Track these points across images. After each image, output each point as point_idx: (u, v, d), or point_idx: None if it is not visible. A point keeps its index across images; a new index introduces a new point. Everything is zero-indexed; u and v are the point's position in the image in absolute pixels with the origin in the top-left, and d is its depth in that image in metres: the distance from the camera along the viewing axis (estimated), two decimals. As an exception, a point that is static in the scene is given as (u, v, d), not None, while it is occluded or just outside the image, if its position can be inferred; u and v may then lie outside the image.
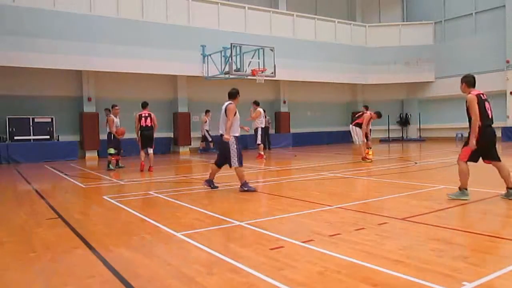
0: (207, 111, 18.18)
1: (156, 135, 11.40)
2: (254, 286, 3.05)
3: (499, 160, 6.01)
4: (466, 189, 6.06)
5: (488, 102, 6.00)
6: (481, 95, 5.99)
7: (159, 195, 7.29)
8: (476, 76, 6.31)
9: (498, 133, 20.55)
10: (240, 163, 7.32)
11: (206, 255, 3.83)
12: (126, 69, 16.22)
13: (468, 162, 6.04)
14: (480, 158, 6.06)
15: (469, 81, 6.13)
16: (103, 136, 16.76)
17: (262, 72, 16.18)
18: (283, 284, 3.03)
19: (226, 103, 7.38)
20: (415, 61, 23.55)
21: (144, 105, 11.35)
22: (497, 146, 6.17)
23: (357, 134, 12.27)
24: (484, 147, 5.94)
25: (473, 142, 5.83)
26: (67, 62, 14.93)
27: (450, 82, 22.39)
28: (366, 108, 13.39)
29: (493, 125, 6.02)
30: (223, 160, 7.54)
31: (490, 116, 5.97)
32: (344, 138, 23.92)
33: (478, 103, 5.85)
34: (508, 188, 5.95)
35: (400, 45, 23.63)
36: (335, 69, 21.79)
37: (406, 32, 23.85)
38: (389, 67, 23.35)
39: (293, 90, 22.46)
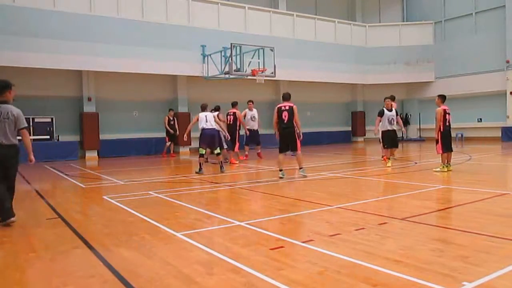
0: (388, 98, 12.32)
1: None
2: (254, 286, 3.05)
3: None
4: (281, 170, 8.97)
5: (287, 111, 8.69)
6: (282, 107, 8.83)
7: (159, 195, 7.29)
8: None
9: (498, 133, 20.60)
10: None
11: (206, 255, 3.83)
12: (126, 69, 16.20)
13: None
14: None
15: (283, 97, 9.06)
16: (103, 136, 16.90)
17: (262, 72, 16.15)
18: (283, 284, 3.03)
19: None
20: (415, 61, 23.52)
21: None
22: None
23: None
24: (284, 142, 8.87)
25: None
26: (67, 62, 14.91)
27: (450, 82, 22.44)
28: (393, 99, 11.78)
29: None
30: None
31: (286, 121, 8.73)
32: (344, 138, 23.98)
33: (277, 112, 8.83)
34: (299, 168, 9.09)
35: (400, 45, 23.60)
36: (335, 69, 21.75)
37: (406, 32, 23.82)
38: (389, 67, 23.31)
39: (293, 90, 22.26)
